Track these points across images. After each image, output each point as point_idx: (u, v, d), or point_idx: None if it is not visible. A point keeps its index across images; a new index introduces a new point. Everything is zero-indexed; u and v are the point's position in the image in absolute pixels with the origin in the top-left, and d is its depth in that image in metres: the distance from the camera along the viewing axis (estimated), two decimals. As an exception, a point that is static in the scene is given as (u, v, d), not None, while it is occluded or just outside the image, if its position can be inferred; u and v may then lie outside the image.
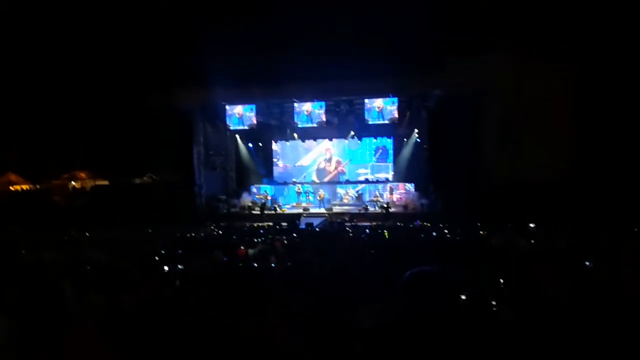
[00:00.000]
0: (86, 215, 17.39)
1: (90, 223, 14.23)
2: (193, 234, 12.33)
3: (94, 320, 3.51)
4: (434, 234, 10.87)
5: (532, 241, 8.76)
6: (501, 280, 5.01)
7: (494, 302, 4.13)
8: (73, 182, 24.48)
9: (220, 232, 13.65)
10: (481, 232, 10.94)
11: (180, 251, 7.91)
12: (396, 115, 19.20)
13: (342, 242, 9.38)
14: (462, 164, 17.66)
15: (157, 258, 7.00)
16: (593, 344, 3.26)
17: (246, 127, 20.64)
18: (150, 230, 12.64)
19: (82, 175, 24.78)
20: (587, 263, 4.87)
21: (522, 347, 3.42)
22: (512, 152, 17.52)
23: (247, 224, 17.21)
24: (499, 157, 17.69)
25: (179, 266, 6.39)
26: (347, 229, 13.25)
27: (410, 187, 21.32)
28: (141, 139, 19.99)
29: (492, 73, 17.03)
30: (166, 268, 6.37)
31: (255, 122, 20.42)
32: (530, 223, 9.98)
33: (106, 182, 23.25)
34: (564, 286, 4.70)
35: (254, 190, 22.50)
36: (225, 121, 20.66)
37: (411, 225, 14.83)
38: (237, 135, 22.62)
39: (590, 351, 3.09)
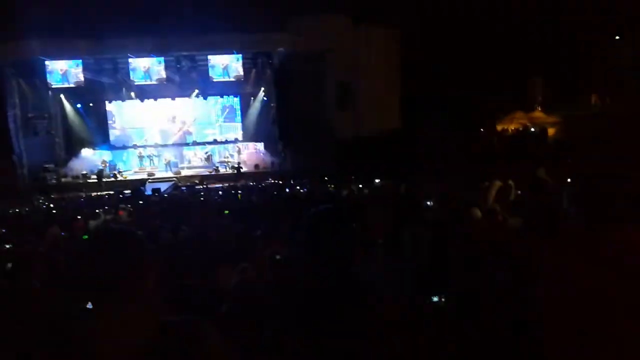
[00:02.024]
0: None
1: None
2: (17, 210, 10.75)
3: None
4: (287, 190, 11.20)
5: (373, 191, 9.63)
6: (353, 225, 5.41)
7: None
8: None
9: (51, 205, 12.15)
10: (329, 186, 11.63)
11: (4, 230, 6.85)
12: (241, 73, 18.84)
13: (194, 206, 9.11)
14: (307, 121, 18.30)
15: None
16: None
17: (72, 85, 18.25)
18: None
19: None
20: (428, 203, 5.54)
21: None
22: (351, 110, 18.76)
23: (84, 195, 15.61)
24: (339, 115, 18.80)
25: (7, 246, 5.56)
26: (200, 192, 12.88)
27: (260, 146, 21.38)
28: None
29: (331, 34, 17.78)
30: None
31: (82, 79, 18.14)
32: (374, 178, 10.89)
33: None
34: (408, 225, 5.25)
35: (87, 155, 20.25)
36: (45, 79, 17.97)
37: (262, 185, 15.04)
38: (61, 95, 19.79)
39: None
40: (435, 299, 2.25)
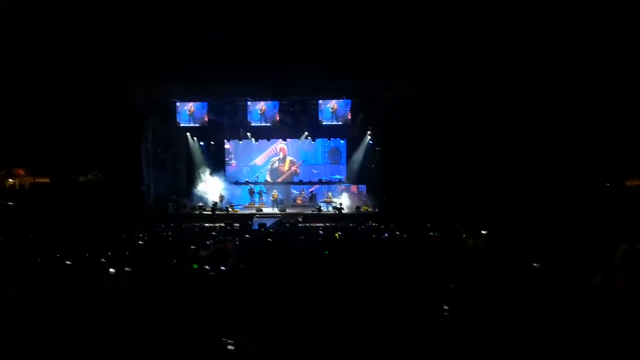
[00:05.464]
0: (27, 214, 16.40)
1: (31, 222, 13.44)
2: (141, 235, 11.91)
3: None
4: (386, 235, 11.08)
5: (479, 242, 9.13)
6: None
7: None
8: (10, 179, 23.03)
9: (169, 233, 13.28)
10: (431, 234, 11.28)
11: (127, 253, 7.63)
12: (350, 117, 19.40)
13: (296, 243, 9.38)
14: (413, 166, 18.13)
15: (103, 260, 6.73)
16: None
17: (197, 125, 20.19)
18: (95, 231, 12.09)
19: (20, 172, 23.32)
20: (535, 264, 5.14)
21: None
22: (456, 157, 18.19)
23: (198, 225, 16.84)
24: (445, 161, 18.32)
25: (127, 268, 6.17)
26: (301, 230, 13.24)
27: (362, 188, 21.63)
28: (85, 134, 19.09)
29: (440, 80, 17.67)
30: (112, 270, 6.14)
31: (207, 119, 20.00)
32: (481, 228, 10.34)
33: (47, 180, 21.99)
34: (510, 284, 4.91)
35: (205, 189, 21.99)
36: (175, 118, 20.11)
37: (363, 227, 15.03)
38: (187, 133, 22.02)
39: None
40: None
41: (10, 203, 19.07)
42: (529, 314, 3.80)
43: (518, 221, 11.89)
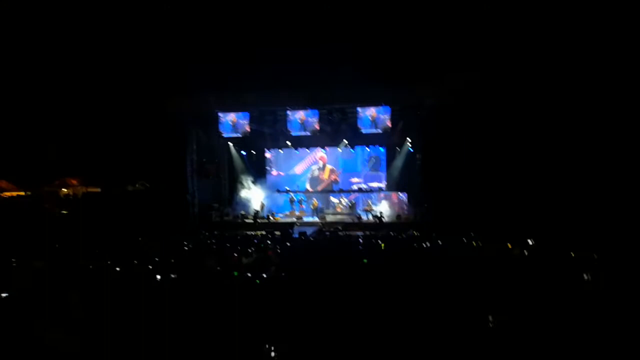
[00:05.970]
0: (77, 223, 17.20)
1: (82, 231, 14.09)
2: (186, 243, 12.24)
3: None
4: (427, 244, 10.89)
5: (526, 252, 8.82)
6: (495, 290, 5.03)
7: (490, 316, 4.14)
8: (64, 189, 24.26)
9: (213, 240, 13.57)
10: (474, 243, 10.99)
11: (172, 260, 7.87)
12: (389, 124, 19.27)
13: (335, 252, 9.39)
14: (454, 173, 17.79)
15: (150, 267, 6.97)
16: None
17: (239, 135, 20.61)
18: (141, 239, 12.53)
19: (74, 182, 24.55)
20: (585, 276, 4.93)
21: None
22: (499, 161, 17.68)
23: (240, 233, 17.12)
24: (488, 166, 17.85)
25: (172, 275, 6.36)
26: (341, 238, 13.21)
27: (402, 196, 21.41)
28: (134, 146, 19.91)
29: (479, 85, 17.28)
30: (159, 277, 6.34)
31: (248, 129, 20.41)
32: (527, 237, 9.98)
33: (97, 190, 23.06)
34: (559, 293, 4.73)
35: (247, 197, 22.41)
36: (218, 129, 20.65)
37: (404, 235, 14.84)
38: (230, 143, 22.59)
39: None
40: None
41: (64, 212, 20.05)
42: (579, 326, 3.66)
43: (566, 230, 11.43)
